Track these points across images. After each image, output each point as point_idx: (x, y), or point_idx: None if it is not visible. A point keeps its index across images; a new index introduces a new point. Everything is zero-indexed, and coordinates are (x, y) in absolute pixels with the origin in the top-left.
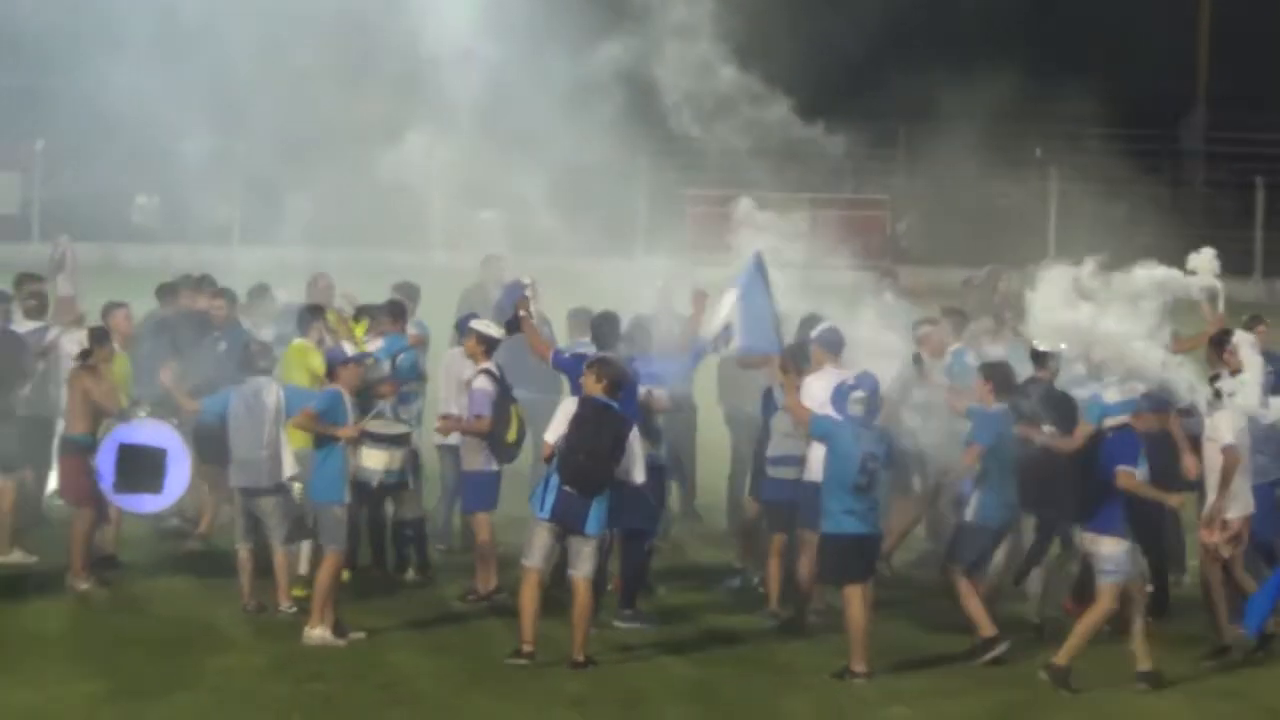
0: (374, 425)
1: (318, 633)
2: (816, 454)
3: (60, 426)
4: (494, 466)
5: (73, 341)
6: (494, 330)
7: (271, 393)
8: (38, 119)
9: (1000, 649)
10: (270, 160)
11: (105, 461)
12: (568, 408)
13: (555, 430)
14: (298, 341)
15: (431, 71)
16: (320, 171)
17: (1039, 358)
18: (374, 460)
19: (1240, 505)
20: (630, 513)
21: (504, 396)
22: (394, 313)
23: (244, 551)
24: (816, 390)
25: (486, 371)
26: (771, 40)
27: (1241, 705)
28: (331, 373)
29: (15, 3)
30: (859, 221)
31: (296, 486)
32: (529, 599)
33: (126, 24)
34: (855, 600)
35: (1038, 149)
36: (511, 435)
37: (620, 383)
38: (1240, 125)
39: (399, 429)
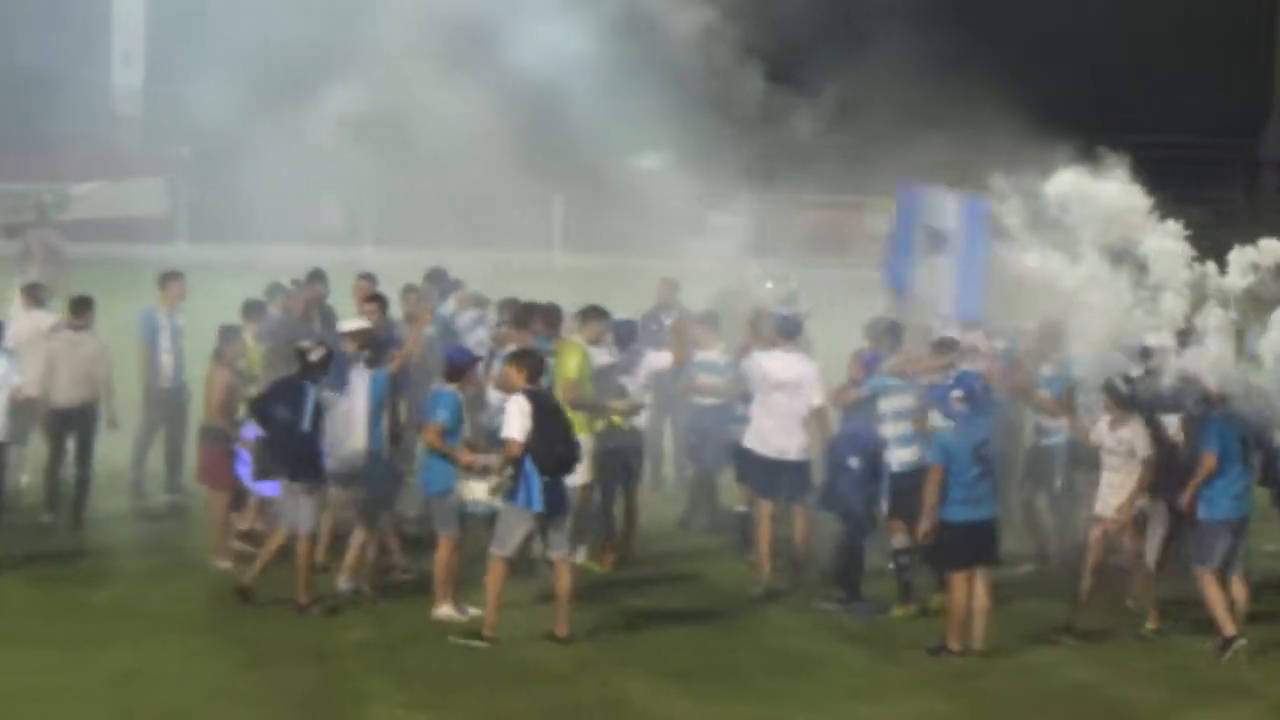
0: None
1: (444, 610)
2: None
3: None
4: None
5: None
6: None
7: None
8: (185, 125)
9: (1238, 645)
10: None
11: (244, 450)
12: (522, 405)
13: (519, 428)
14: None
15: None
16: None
17: (1147, 353)
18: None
19: None
20: (840, 499)
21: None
22: (549, 317)
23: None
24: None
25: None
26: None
27: None
28: (456, 373)
29: (166, 15)
30: None
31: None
32: (500, 586)
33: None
34: (959, 586)
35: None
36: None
37: (540, 370)
38: None
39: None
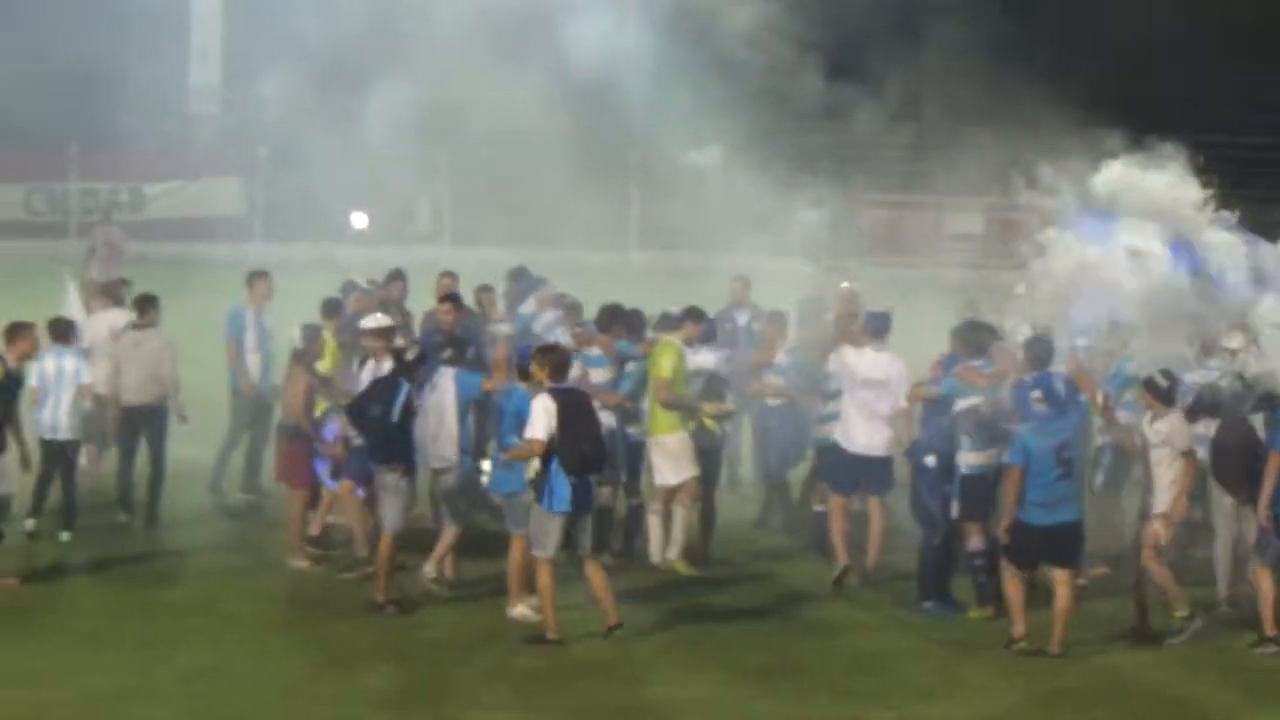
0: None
1: (519, 609)
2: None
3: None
4: None
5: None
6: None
7: (452, 381)
8: (261, 124)
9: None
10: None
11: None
12: (546, 404)
13: (543, 427)
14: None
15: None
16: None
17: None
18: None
19: None
20: (916, 498)
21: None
22: (631, 321)
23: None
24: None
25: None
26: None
27: None
28: (526, 371)
29: (243, 14)
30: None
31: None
32: (552, 588)
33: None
34: (1014, 579)
35: (1200, 157)
36: None
37: (564, 366)
38: None
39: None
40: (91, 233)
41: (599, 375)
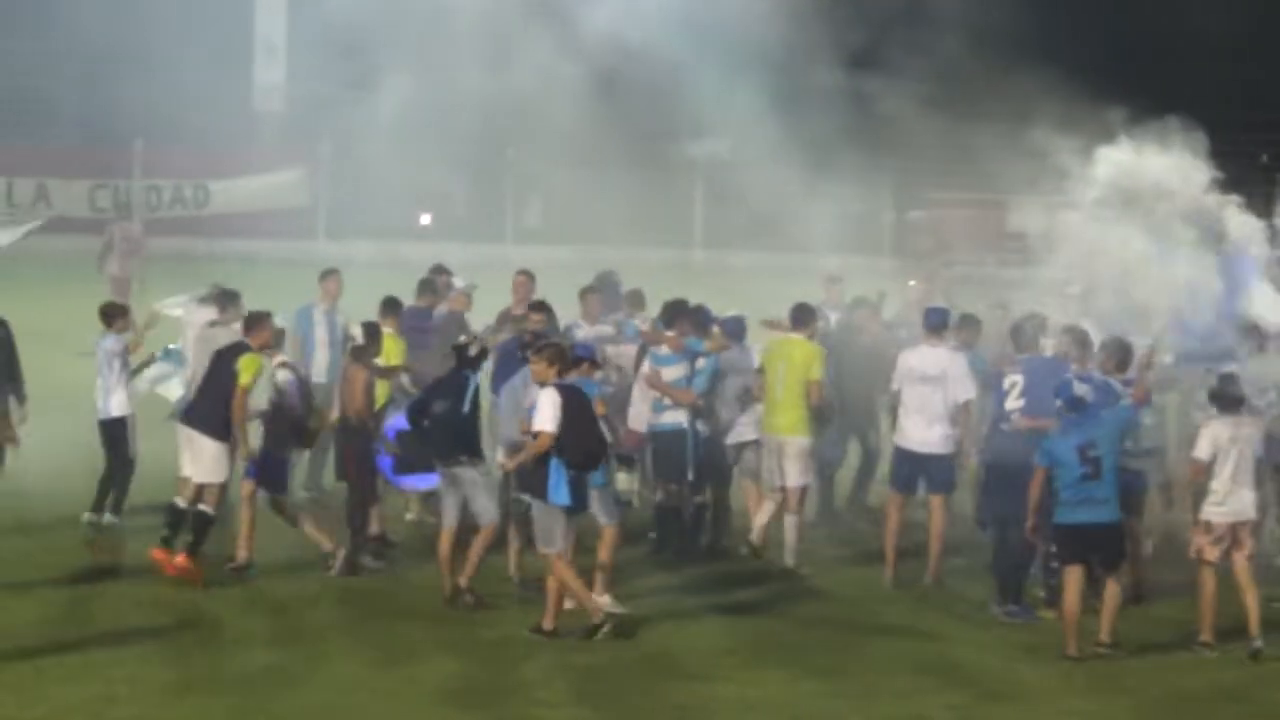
0: None
1: (603, 600)
2: None
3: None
4: None
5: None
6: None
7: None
8: (326, 122)
9: None
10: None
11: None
12: (554, 398)
13: (550, 420)
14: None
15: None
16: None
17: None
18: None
19: None
20: (1006, 502)
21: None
22: (696, 318)
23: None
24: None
25: None
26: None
27: None
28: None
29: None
30: None
31: None
32: (560, 582)
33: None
34: (1072, 585)
35: (1264, 155)
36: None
37: (565, 361)
38: None
39: None
40: (108, 229)
41: (671, 373)
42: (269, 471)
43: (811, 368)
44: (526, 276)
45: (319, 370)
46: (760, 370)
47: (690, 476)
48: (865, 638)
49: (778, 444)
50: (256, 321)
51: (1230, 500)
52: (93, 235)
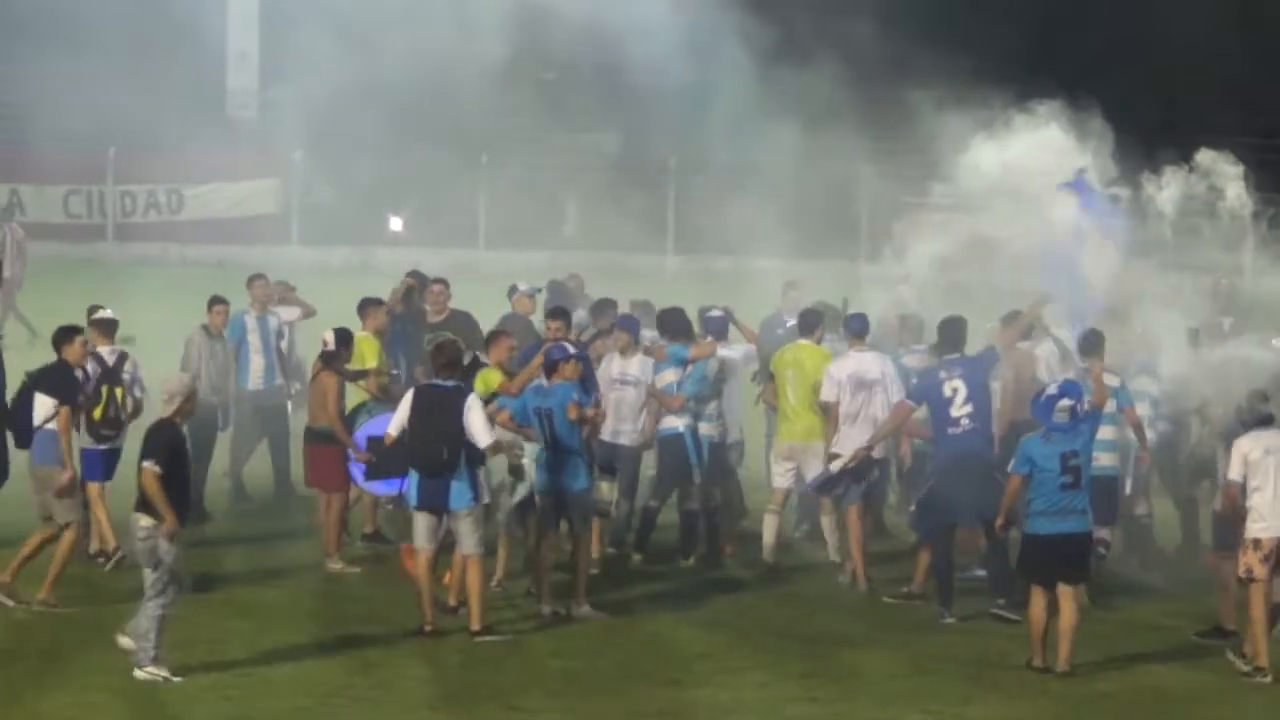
0: None
1: (584, 609)
2: None
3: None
4: None
5: None
6: None
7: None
8: (299, 127)
9: None
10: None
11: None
12: (406, 400)
13: (397, 423)
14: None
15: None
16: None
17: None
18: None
19: None
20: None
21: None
22: (678, 324)
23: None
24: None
25: None
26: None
27: None
28: (551, 368)
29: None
30: None
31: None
32: (424, 577)
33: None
34: (1037, 600)
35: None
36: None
37: (453, 363)
38: None
39: None
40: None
41: (662, 379)
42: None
43: (822, 372)
44: (443, 285)
45: (255, 377)
46: (770, 377)
47: (696, 479)
48: (841, 642)
49: (793, 449)
50: (367, 306)
51: (1272, 515)
52: (67, 242)
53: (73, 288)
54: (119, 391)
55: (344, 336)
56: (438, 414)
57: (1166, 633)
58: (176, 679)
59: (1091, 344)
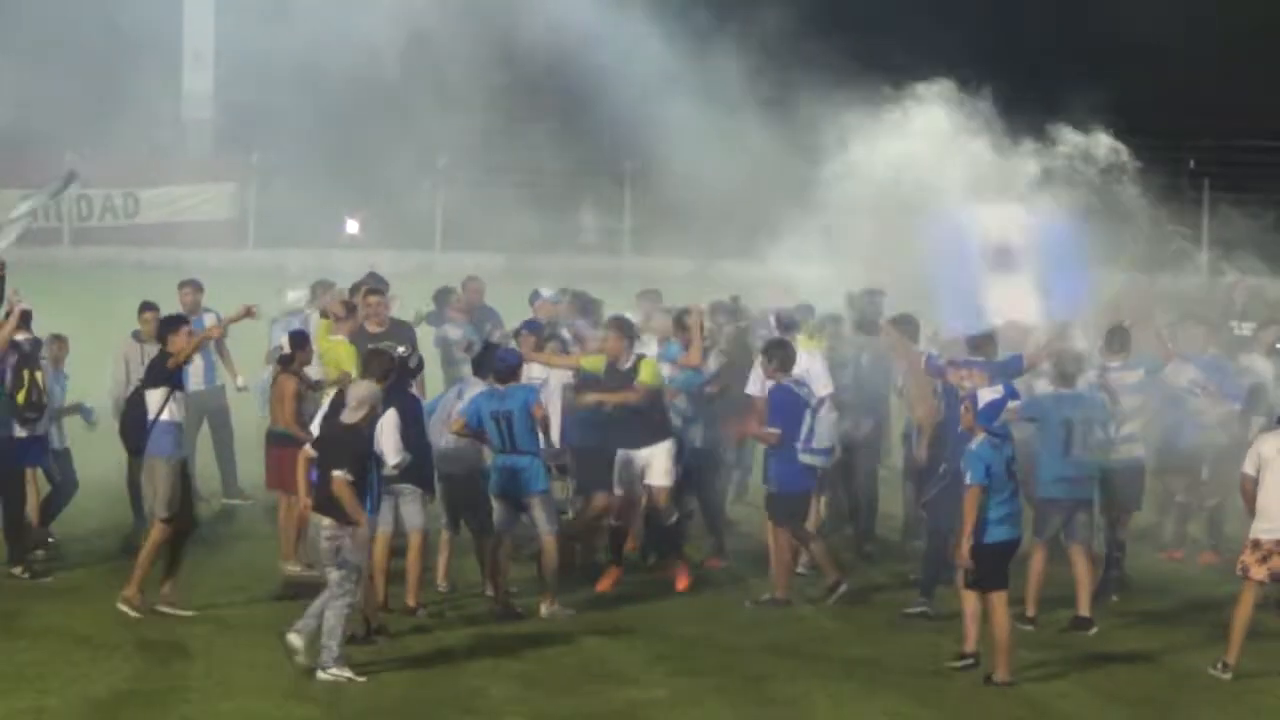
0: None
1: (552, 608)
2: None
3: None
4: None
5: None
6: None
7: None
8: (255, 134)
9: None
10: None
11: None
12: (392, 420)
13: (396, 449)
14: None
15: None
16: None
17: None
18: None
19: None
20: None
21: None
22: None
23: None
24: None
25: None
26: None
27: None
28: (507, 373)
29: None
30: None
31: None
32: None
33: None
34: (1000, 605)
35: (1191, 160)
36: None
37: (384, 373)
38: None
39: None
40: None
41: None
42: None
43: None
44: (379, 296)
45: (194, 378)
46: None
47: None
48: (797, 644)
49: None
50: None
51: (1275, 517)
52: (23, 246)
53: (30, 292)
54: (39, 375)
55: (299, 339)
56: (412, 423)
57: None
58: (360, 679)
59: (978, 345)
